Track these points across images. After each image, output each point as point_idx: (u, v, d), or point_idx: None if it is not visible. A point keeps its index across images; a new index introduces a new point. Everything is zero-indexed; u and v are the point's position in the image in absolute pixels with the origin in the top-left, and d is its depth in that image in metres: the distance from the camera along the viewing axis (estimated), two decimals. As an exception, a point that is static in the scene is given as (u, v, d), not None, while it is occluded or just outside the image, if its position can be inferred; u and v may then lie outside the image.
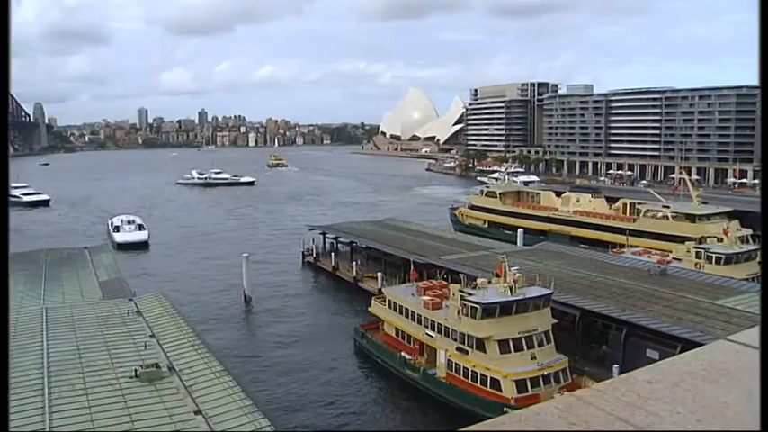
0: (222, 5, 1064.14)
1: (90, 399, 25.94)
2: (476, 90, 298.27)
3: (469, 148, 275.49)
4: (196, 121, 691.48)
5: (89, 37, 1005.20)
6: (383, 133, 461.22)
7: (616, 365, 35.77)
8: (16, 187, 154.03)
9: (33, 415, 24.49)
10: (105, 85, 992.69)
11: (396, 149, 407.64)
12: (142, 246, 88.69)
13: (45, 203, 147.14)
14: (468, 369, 37.31)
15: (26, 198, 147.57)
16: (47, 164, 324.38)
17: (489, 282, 39.85)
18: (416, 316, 42.57)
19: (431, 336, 40.78)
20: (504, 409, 33.93)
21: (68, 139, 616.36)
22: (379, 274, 60.82)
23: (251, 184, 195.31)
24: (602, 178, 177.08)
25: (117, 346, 32.49)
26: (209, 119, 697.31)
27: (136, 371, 28.16)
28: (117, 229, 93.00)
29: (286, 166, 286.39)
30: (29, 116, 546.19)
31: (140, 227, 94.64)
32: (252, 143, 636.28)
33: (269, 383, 40.95)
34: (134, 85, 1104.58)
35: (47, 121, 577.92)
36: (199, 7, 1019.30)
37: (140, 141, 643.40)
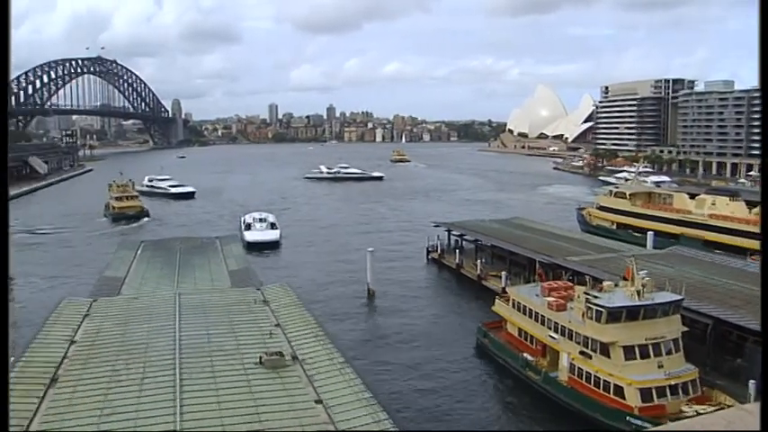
0: (350, 4, 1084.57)
1: (217, 381, 27.31)
2: (606, 87, 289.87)
3: (598, 146, 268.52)
4: (324, 117, 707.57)
5: (223, 36, 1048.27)
6: (510, 131, 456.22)
7: (752, 381, 33.72)
8: (162, 179, 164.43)
9: (165, 393, 26.13)
10: (237, 81, 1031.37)
11: (523, 147, 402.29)
12: (273, 245, 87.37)
13: (191, 195, 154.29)
14: (590, 374, 36.37)
15: (173, 190, 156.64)
16: (183, 157, 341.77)
17: (616, 285, 38.68)
18: (540, 317, 41.90)
19: (554, 338, 40.04)
20: (627, 418, 32.87)
21: (203, 134, 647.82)
22: (503, 272, 60.29)
23: (379, 179, 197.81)
24: (741, 180, 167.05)
25: (243, 333, 33.95)
26: (337, 114, 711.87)
27: (260, 358, 29.35)
28: (249, 226, 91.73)
29: (408, 161, 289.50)
30: (167, 112, 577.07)
31: (272, 225, 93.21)
32: (379, 139, 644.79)
33: (388, 376, 41.49)
34: (265, 81, 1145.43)
35: (183, 117, 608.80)
36: (327, 6, 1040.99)
37: (270, 136, 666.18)
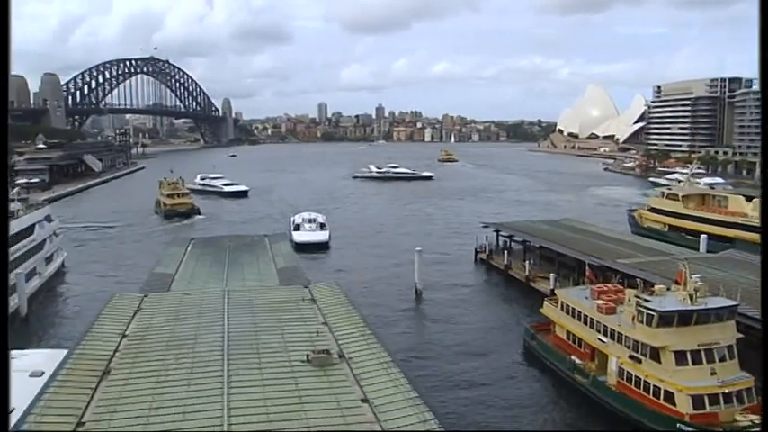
0: (398, 3, 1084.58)
1: (264, 378, 27.62)
2: (659, 87, 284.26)
3: (650, 147, 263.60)
4: (373, 117, 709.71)
5: (273, 36, 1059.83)
6: (560, 131, 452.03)
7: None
8: (214, 178, 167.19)
9: (213, 388, 26.55)
10: (287, 81, 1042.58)
11: (573, 148, 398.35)
12: (322, 246, 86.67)
13: (244, 194, 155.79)
14: (640, 379, 35.73)
15: (226, 189, 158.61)
16: (234, 155, 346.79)
17: (668, 289, 37.93)
18: (589, 320, 41.37)
19: (603, 341, 39.49)
20: (678, 425, 32.22)
21: (252, 132, 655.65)
22: (551, 274, 59.74)
23: (429, 178, 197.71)
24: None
25: (291, 330, 34.26)
26: (386, 114, 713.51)
27: (307, 355, 29.57)
28: (298, 227, 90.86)
29: (456, 161, 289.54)
30: (218, 111, 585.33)
31: (322, 226, 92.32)
32: (428, 139, 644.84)
33: (434, 377, 41.45)
34: (314, 81, 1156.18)
35: (234, 116, 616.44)
36: (375, 5, 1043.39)
37: (319, 135, 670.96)
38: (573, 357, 41.69)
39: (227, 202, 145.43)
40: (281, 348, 31.42)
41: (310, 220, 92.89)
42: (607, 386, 37.84)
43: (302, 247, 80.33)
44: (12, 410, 27.74)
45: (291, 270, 52.07)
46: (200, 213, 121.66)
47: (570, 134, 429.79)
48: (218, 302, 39.72)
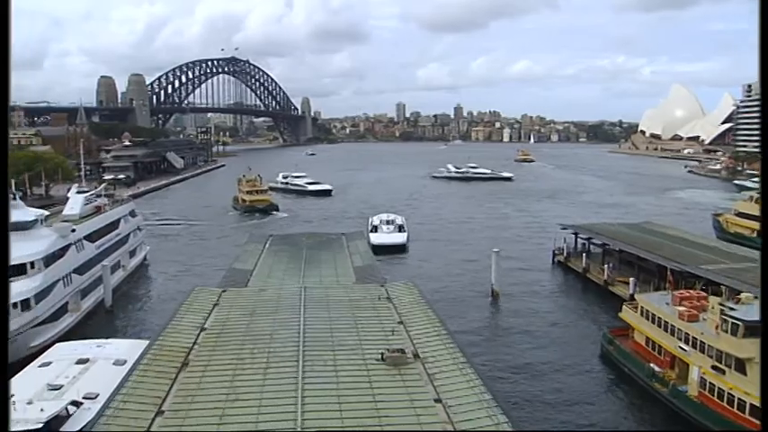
0: (476, 2, 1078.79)
1: (338, 375, 27.89)
2: (749, 85, 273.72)
3: (738, 149, 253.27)
4: (451, 116, 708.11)
5: (351, 36, 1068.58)
6: (642, 132, 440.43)
7: None
8: (297, 176, 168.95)
9: (288, 383, 26.99)
10: (365, 80, 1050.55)
11: (655, 149, 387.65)
12: (400, 249, 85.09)
13: (328, 193, 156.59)
14: (723, 391, 34.38)
15: (310, 187, 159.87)
16: (313, 154, 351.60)
17: (755, 297, 36.42)
18: (670, 327, 40.14)
19: (684, 349, 38.25)
20: None
21: (331, 131, 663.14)
22: (631, 279, 58.29)
23: (508, 179, 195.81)
24: None
25: (366, 329, 34.47)
26: (465, 114, 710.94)
27: (382, 354, 29.68)
28: (375, 228, 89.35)
29: (533, 161, 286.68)
30: (297, 110, 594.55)
31: (400, 228, 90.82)
32: (506, 139, 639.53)
33: (509, 379, 41.08)
34: (392, 80, 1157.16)
35: (312, 114, 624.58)
36: (453, 4, 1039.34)
37: (397, 134, 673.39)
38: (652, 365, 40.59)
39: (309, 200, 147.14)
40: (355, 346, 31.65)
41: (388, 222, 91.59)
42: (687, 396, 36.64)
43: (379, 249, 77.01)
44: (96, 396, 29.04)
45: (368, 269, 52.38)
46: (278, 210, 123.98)
47: (652, 135, 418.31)
48: (294, 299, 40.31)
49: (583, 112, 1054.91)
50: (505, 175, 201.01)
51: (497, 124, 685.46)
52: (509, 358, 45.54)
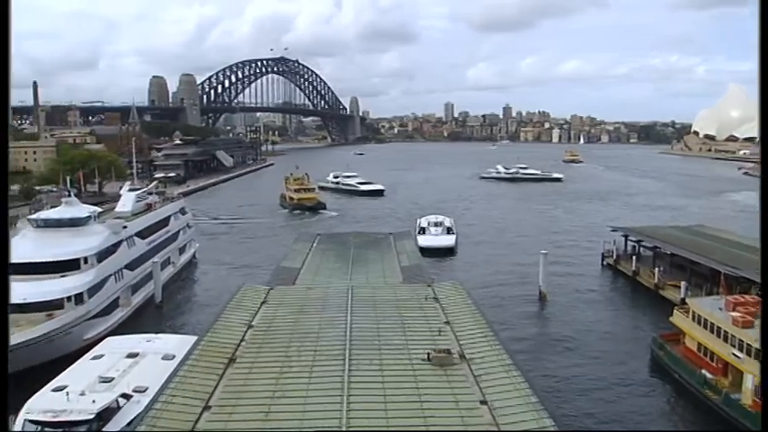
0: (525, 2, 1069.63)
1: (384, 375, 27.92)
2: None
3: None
4: (500, 116, 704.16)
5: (399, 35, 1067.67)
6: (695, 133, 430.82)
7: None
8: (348, 176, 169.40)
9: (334, 381, 27.12)
10: (414, 80, 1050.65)
11: (708, 150, 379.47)
12: (448, 252, 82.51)
13: (380, 193, 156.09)
14: None
15: (362, 187, 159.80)
16: (362, 154, 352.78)
17: None
18: (723, 333, 39.13)
19: (738, 357, 37.24)
20: None
21: (379, 131, 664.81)
22: (682, 283, 57.04)
23: (558, 180, 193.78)
24: None
25: (412, 328, 34.45)
26: (514, 114, 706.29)
27: (428, 354, 29.62)
28: (423, 230, 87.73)
29: (581, 161, 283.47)
30: (345, 109, 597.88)
31: (448, 230, 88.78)
32: (555, 139, 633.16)
33: (555, 381, 40.60)
34: (440, 80, 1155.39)
35: (361, 114, 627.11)
36: (501, 4, 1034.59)
37: (445, 134, 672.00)
38: (704, 371, 39.66)
39: (358, 200, 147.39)
40: (402, 346, 31.64)
41: (436, 224, 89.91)
42: (741, 405, 35.66)
43: (427, 252, 74.61)
44: (146, 389, 29.61)
45: (415, 268, 52.33)
46: (325, 208, 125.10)
47: (706, 136, 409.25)
48: (341, 298, 40.50)
49: (634, 113, 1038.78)
50: (555, 175, 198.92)
51: (546, 125, 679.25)
52: (556, 359, 45.07)
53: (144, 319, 54.79)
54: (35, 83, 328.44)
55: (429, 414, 24.34)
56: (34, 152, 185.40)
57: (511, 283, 66.04)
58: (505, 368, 28.32)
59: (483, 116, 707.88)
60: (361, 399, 25.47)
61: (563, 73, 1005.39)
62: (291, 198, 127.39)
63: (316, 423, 23.66)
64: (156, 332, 42.85)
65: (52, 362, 38.51)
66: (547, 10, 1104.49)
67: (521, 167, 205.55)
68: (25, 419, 27.60)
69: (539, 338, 50.84)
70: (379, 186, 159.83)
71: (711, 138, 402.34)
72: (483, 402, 25.28)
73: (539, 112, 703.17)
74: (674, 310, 46.59)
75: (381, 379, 27.59)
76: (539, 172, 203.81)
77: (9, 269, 12.13)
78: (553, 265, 66.07)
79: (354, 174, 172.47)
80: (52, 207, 60.06)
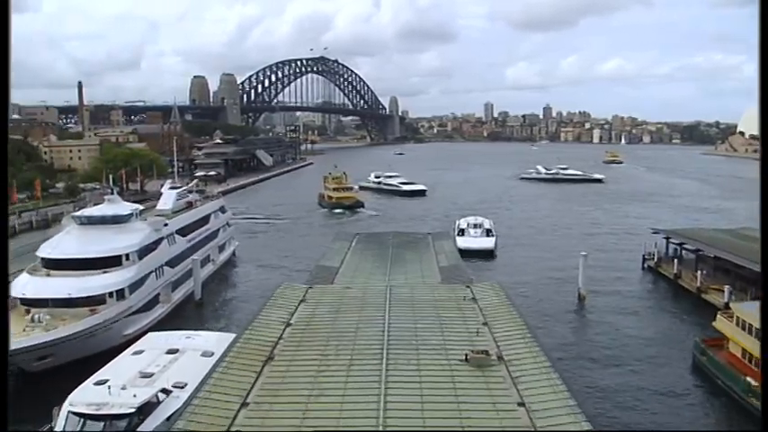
0: (566, 0, 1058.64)
1: (421, 375, 27.86)
2: None
3: None
4: (540, 116, 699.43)
5: (438, 35, 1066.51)
6: (741, 133, 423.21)
7: None
8: (390, 176, 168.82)
9: (371, 380, 27.12)
10: (453, 79, 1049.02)
11: (755, 151, 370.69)
12: (487, 254, 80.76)
13: (422, 193, 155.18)
14: None
15: (404, 187, 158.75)
16: (401, 154, 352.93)
17: None
18: None
19: None
20: None
21: (418, 130, 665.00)
22: (726, 287, 55.86)
23: (599, 181, 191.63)
24: None
25: (450, 329, 34.33)
26: (554, 114, 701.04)
27: (466, 355, 29.49)
28: (462, 232, 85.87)
29: (621, 162, 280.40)
30: (385, 109, 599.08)
31: (488, 232, 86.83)
32: (596, 140, 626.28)
33: (593, 384, 40.12)
34: (480, 79, 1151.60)
35: (400, 113, 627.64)
36: (542, 3, 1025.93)
37: (485, 134, 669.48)
38: (748, 378, 38.77)
39: (397, 200, 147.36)
40: (439, 346, 31.54)
41: (476, 225, 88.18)
42: None
43: (466, 254, 71.78)
44: (185, 385, 29.99)
45: (454, 269, 52.16)
46: (363, 207, 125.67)
47: (752, 136, 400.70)
48: (379, 297, 40.51)
49: (677, 113, 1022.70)
50: (596, 176, 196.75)
51: (587, 125, 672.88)
52: (594, 362, 44.58)
53: (183, 316, 55.49)
54: (80, 83, 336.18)
55: (466, 415, 24.21)
56: (79, 150, 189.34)
57: (550, 285, 65.51)
58: (544, 370, 28.06)
59: (523, 116, 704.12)
60: (399, 398, 25.44)
61: (604, 72, 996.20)
62: (330, 197, 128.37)
63: (353, 422, 23.71)
64: (196, 329, 43.37)
65: (94, 356, 39.26)
66: (588, 8, 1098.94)
67: (561, 168, 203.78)
68: (68, 411, 28.18)
69: (577, 341, 50.31)
70: (421, 186, 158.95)
71: (758, 138, 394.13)
72: (521, 404, 25.09)
73: (579, 112, 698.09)
74: (718, 315, 45.70)
75: (419, 379, 27.52)
76: (579, 173, 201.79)
77: (8, 268, 12.36)
78: (593, 267, 65.38)
79: (396, 174, 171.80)
80: (95, 204, 61.05)
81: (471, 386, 26.96)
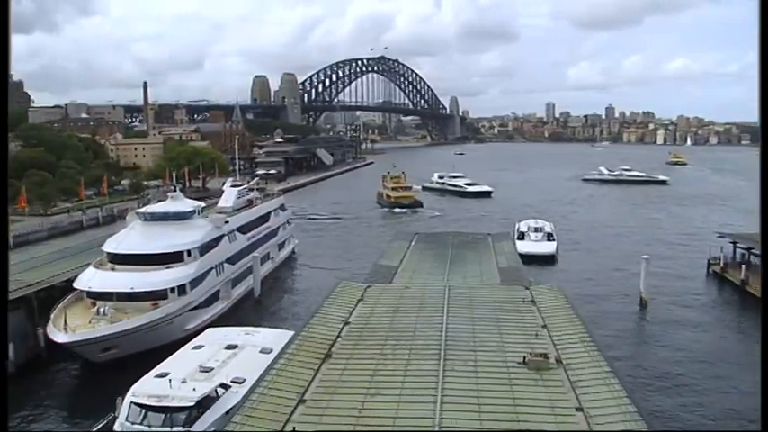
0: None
1: (478, 376, 27.69)
2: None
3: None
4: (603, 116, 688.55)
5: (499, 34, 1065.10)
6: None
7: None
8: (454, 176, 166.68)
9: (428, 380, 27.11)
10: (514, 79, 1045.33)
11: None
12: (548, 259, 78.19)
13: (487, 195, 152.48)
14: None
15: (469, 188, 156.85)
16: (462, 154, 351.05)
17: None
18: None
19: None
20: None
21: (479, 131, 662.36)
22: (793, 293, 53.87)
23: (663, 183, 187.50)
24: None
25: (508, 331, 34.03)
26: (617, 114, 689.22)
27: (524, 358, 29.18)
28: (522, 236, 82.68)
29: (685, 164, 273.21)
30: (445, 109, 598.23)
31: (549, 236, 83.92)
32: (660, 141, 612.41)
33: (653, 391, 39.21)
34: (541, 79, 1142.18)
35: (460, 114, 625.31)
36: (606, 1, 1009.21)
37: (546, 135, 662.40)
38: None
39: (457, 201, 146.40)
40: (497, 348, 31.30)
41: (536, 229, 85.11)
42: None
43: (526, 259, 66.82)
44: (243, 380, 30.44)
45: (513, 270, 51.65)
46: (422, 206, 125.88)
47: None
48: (438, 297, 40.38)
49: (746, 113, 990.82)
50: (661, 178, 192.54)
51: (651, 125, 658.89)
52: (655, 371, 43.31)
53: (243, 313, 56.32)
54: (145, 83, 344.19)
55: (523, 418, 23.96)
56: (143, 149, 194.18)
57: (609, 288, 64.39)
58: (603, 375, 27.58)
59: (585, 116, 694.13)
60: (455, 399, 25.36)
61: (669, 71, 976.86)
62: (388, 196, 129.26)
63: (409, 421, 23.73)
64: (255, 325, 43.97)
65: (155, 349, 40.18)
66: (653, 6, 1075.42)
67: (624, 169, 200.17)
68: (131, 402, 28.96)
69: (636, 345, 49.38)
70: (486, 188, 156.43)
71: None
72: (579, 409, 24.70)
73: (643, 112, 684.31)
74: None
75: (476, 380, 27.36)
76: (643, 174, 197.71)
77: (8, 268, 12.70)
78: (656, 271, 63.99)
79: (461, 174, 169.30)
80: (159, 201, 62.39)
81: (529, 389, 26.66)
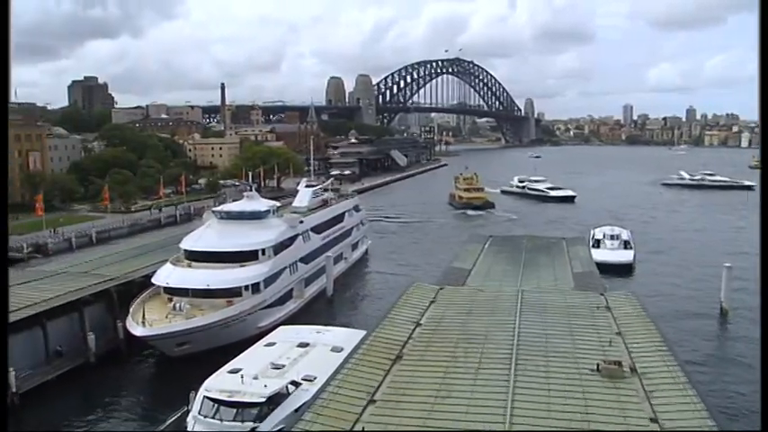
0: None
1: (550, 382, 27.37)
2: None
3: None
4: (683, 119, 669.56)
5: (575, 35, 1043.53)
6: None
7: None
8: (536, 180, 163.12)
9: (499, 385, 27.00)
10: (590, 81, 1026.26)
11: None
12: (625, 269, 73.40)
13: (570, 200, 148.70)
14: None
15: (552, 193, 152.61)
16: (538, 156, 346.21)
17: None
18: None
19: None
20: None
21: (554, 133, 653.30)
22: None
23: (749, 188, 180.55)
24: None
25: (581, 337, 33.52)
26: (698, 116, 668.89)
27: (598, 365, 28.69)
28: (597, 243, 78.47)
29: None
30: (520, 111, 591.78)
31: (626, 244, 79.72)
32: (744, 144, 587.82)
33: (732, 404, 37.84)
34: (618, 81, 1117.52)
35: (535, 116, 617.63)
36: (686, 0, 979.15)
37: (623, 138, 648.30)
38: None
39: (540, 205, 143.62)
40: (569, 354, 30.86)
41: (612, 236, 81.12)
42: None
43: (602, 268, 61.66)
44: (314, 378, 30.86)
45: (587, 275, 50.76)
46: (493, 207, 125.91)
47: None
48: (510, 301, 40.07)
49: None
50: (746, 183, 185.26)
51: (734, 128, 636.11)
52: (735, 382, 41.77)
53: (315, 312, 56.94)
54: (223, 84, 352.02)
55: (594, 426, 23.59)
56: (220, 148, 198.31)
57: (688, 296, 62.50)
58: (680, 386, 26.85)
59: (664, 119, 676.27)
60: (526, 404, 25.17)
61: (755, 72, 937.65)
62: (460, 197, 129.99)
63: (479, 425, 23.65)
64: (327, 324, 44.46)
65: (229, 345, 41.10)
66: (738, 3, 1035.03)
67: (706, 174, 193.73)
68: (204, 396, 29.74)
69: (716, 355, 47.76)
70: (570, 192, 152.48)
71: None
72: (653, 420, 24.12)
73: (726, 114, 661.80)
74: None
75: (547, 386, 27.08)
76: (726, 179, 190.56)
77: (8, 270, 13.01)
78: (737, 280, 61.80)
79: (542, 178, 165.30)
80: (234, 200, 63.61)
81: (602, 397, 26.20)
